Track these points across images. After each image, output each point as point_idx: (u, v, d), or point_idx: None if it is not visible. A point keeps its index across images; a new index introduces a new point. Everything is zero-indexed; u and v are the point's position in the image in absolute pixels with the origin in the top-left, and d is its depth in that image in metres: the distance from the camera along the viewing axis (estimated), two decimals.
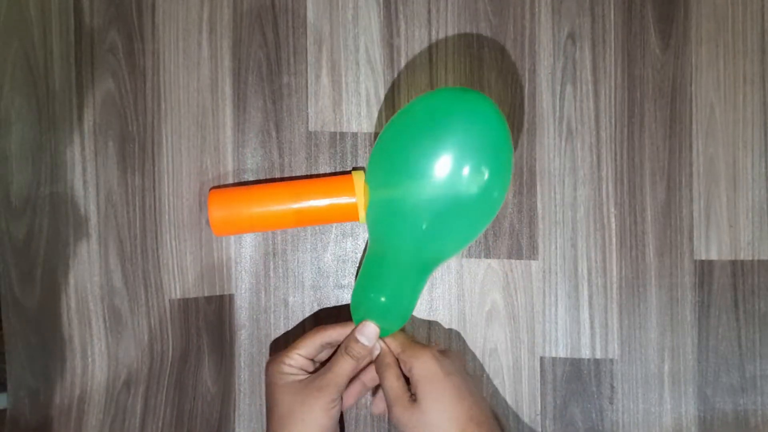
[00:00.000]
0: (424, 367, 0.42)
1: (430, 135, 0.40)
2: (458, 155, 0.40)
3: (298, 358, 0.44)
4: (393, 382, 0.42)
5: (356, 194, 0.46)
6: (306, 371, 0.44)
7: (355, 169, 0.50)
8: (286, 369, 0.43)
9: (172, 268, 0.48)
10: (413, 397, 0.41)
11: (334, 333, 0.44)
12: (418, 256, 0.43)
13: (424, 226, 0.41)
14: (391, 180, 0.42)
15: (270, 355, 0.50)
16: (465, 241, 0.45)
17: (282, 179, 0.49)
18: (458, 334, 0.49)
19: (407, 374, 0.43)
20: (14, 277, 0.46)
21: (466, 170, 0.40)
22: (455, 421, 0.40)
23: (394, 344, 0.44)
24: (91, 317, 0.47)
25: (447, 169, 0.40)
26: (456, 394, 0.41)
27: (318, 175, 0.50)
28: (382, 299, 0.43)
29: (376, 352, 0.44)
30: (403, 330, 0.46)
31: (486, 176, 0.40)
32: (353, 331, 0.43)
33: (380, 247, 0.44)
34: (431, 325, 0.50)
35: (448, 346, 0.50)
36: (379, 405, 0.46)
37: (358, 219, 0.46)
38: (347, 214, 0.46)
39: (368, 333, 0.43)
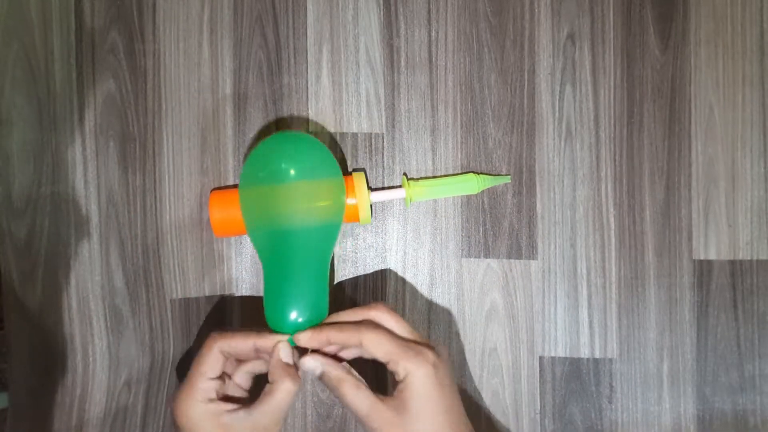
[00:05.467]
0: (421, 383, 0.37)
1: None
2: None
3: (209, 383, 0.37)
4: (359, 399, 0.38)
5: (356, 195, 0.46)
6: (222, 396, 0.38)
7: (355, 170, 0.50)
8: (203, 404, 0.37)
9: (173, 268, 0.48)
10: (394, 402, 0.38)
11: (235, 342, 0.38)
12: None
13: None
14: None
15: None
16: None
17: None
18: (458, 333, 0.50)
19: (397, 378, 0.38)
20: (15, 277, 0.46)
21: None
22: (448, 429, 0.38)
23: (381, 351, 0.38)
24: (92, 317, 0.47)
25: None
26: (448, 407, 0.38)
27: None
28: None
29: (318, 372, 0.39)
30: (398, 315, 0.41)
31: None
32: (275, 352, 0.38)
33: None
34: (431, 324, 0.50)
35: (446, 344, 0.50)
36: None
37: (358, 219, 0.47)
38: (347, 215, 0.47)
39: (286, 353, 0.38)
